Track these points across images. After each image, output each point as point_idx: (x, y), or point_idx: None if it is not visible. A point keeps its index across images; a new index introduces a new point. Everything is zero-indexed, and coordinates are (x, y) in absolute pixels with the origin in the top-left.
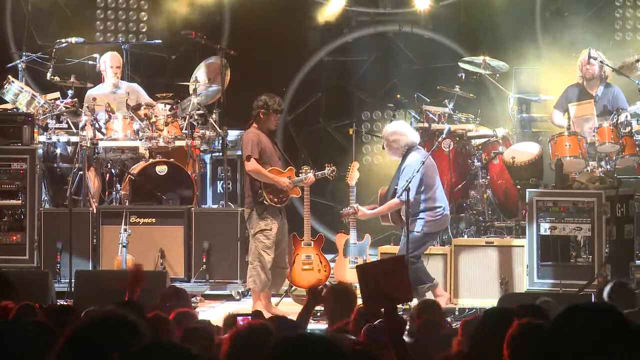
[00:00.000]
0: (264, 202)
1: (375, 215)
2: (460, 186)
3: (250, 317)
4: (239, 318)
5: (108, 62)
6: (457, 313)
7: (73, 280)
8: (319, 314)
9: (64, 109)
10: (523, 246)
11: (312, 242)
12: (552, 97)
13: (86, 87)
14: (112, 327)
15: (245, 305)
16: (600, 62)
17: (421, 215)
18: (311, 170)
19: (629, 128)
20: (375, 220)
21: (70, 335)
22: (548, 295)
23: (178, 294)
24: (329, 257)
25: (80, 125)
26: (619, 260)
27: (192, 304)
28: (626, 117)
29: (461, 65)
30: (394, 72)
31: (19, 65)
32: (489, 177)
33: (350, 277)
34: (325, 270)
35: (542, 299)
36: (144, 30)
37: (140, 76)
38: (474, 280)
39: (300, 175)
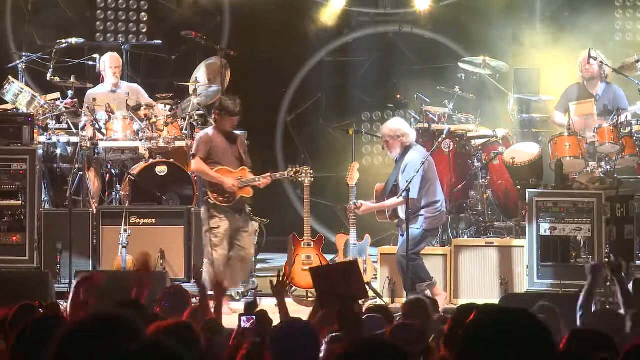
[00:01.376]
0: (209, 200)
1: (378, 209)
2: (460, 186)
3: (254, 316)
4: (243, 318)
5: (107, 63)
6: None
7: (73, 281)
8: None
9: (64, 109)
10: (523, 246)
11: (312, 243)
12: (552, 98)
13: (86, 87)
14: (109, 327)
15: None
16: (600, 62)
17: (421, 212)
18: (292, 170)
19: (629, 128)
20: (375, 221)
21: (67, 334)
22: (548, 296)
23: (180, 293)
24: (329, 257)
25: (80, 125)
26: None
27: (192, 305)
28: (626, 117)
29: (461, 65)
30: (394, 72)
31: (19, 66)
32: (489, 177)
33: None
34: None
35: (540, 303)
36: (144, 30)
37: (140, 76)
38: (474, 281)
39: (281, 174)
